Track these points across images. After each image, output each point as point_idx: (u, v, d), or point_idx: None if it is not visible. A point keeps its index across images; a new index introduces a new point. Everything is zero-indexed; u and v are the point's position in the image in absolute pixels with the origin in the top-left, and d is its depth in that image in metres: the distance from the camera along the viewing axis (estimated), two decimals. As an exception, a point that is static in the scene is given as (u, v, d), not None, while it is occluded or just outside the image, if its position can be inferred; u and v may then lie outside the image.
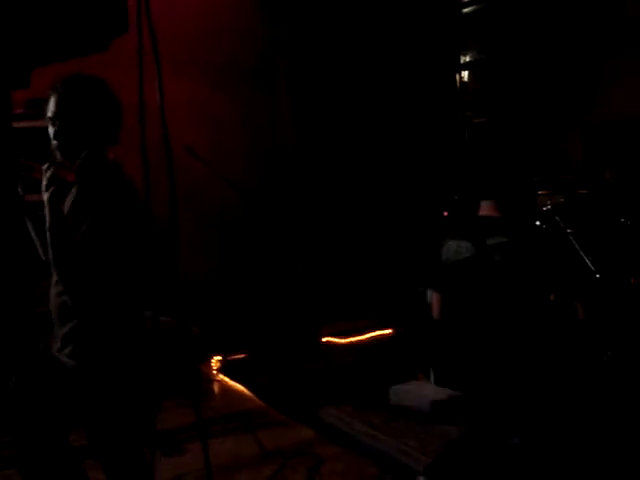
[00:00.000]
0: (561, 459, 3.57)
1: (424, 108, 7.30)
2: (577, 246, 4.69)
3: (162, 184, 2.22)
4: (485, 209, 3.70)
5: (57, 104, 2.51)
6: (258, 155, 6.99)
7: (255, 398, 5.52)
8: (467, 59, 7.50)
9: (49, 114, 2.52)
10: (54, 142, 2.54)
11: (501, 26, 7.25)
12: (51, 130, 2.53)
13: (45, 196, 2.41)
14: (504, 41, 7.24)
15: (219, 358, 6.18)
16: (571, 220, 4.93)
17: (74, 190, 2.51)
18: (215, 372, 6.03)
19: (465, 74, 7.51)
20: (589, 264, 4.62)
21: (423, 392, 4.85)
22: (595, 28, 6.51)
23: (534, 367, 3.57)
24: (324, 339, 6.70)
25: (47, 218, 2.38)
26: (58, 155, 2.55)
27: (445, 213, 6.28)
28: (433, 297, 4.19)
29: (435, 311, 4.26)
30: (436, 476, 3.47)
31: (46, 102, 2.51)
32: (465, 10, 7.52)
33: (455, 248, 3.68)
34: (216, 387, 5.82)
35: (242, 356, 6.29)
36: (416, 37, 7.30)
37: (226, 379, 5.92)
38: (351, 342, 6.63)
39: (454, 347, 4.17)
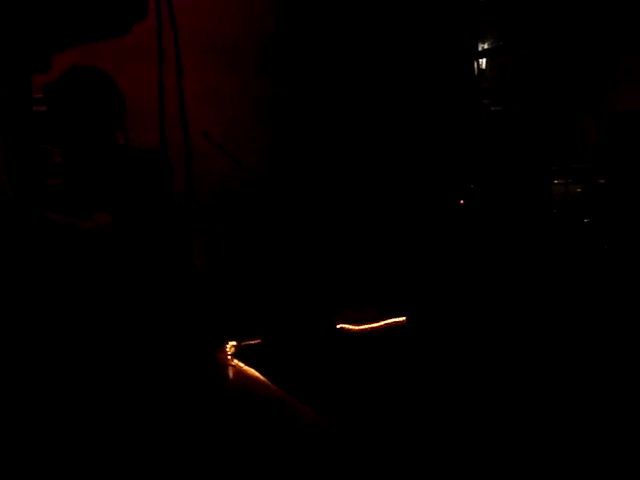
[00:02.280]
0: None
1: (441, 96, 7.27)
2: (594, 235, 4.67)
3: (178, 167, 2.23)
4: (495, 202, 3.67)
5: (59, 102, 2.51)
6: (271, 141, 6.99)
7: (270, 383, 5.54)
8: (485, 46, 7.46)
9: (54, 113, 2.51)
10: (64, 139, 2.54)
11: (519, 13, 7.20)
12: (59, 127, 2.53)
13: None
14: (522, 28, 7.19)
15: (234, 343, 6.20)
16: (588, 209, 4.91)
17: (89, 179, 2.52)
18: (230, 357, 6.06)
19: (483, 61, 7.46)
20: (605, 253, 4.60)
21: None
22: (614, 17, 6.45)
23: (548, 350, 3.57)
24: (339, 326, 6.70)
25: None
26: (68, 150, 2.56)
27: (461, 202, 6.27)
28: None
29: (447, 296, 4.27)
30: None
31: (50, 98, 2.51)
32: (483, -3, 7.47)
33: (472, 241, 3.66)
34: (231, 372, 5.84)
35: (257, 341, 6.31)
36: (433, 24, 7.26)
37: (241, 364, 5.94)
38: (366, 329, 6.64)
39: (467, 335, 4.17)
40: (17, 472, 2.44)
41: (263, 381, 5.61)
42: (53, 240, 2.34)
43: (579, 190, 5.36)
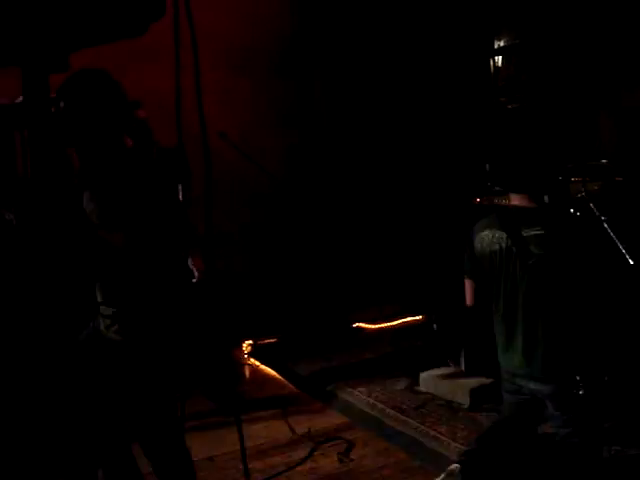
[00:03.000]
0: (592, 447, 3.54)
1: (457, 94, 7.25)
2: (612, 234, 4.63)
3: (197, 168, 2.22)
4: (516, 199, 3.65)
5: (67, 110, 2.49)
6: (287, 141, 7.00)
7: (286, 382, 5.55)
8: (501, 44, 7.42)
9: (62, 120, 2.49)
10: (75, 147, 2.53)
11: (535, 10, 7.16)
12: (70, 135, 2.51)
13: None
14: (538, 26, 7.15)
15: (250, 342, 6.21)
16: (606, 207, 4.86)
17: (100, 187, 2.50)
18: (246, 356, 6.07)
19: (499, 59, 7.43)
20: (624, 252, 4.56)
21: (453, 379, 4.86)
22: (630, 13, 6.40)
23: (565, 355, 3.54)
24: (355, 325, 6.70)
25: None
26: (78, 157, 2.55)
27: (477, 200, 6.23)
28: (466, 284, 4.17)
29: (468, 298, 4.24)
30: (469, 463, 3.46)
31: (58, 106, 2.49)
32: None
33: (490, 238, 3.63)
34: (247, 371, 5.85)
35: (273, 340, 6.32)
36: (450, 22, 7.24)
37: (257, 363, 5.95)
38: (382, 328, 6.63)
39: (486, 334, 4.14)
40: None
41: (279, 379, 5.62)
42: (75, 247, 2.34)
43: (596, 188, 5.32)
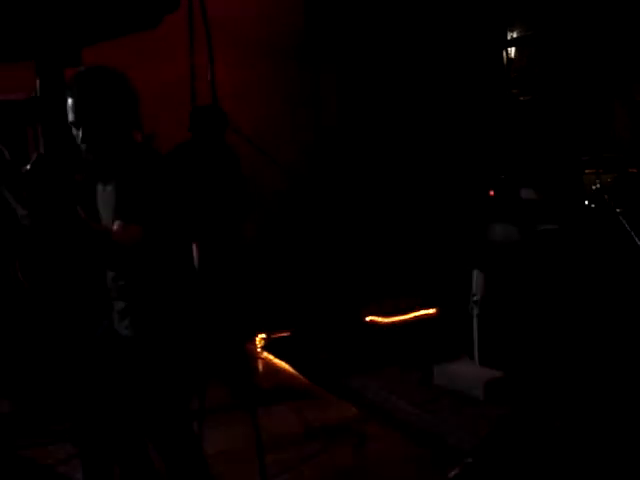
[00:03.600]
0: (603, 439, 3.53)
1: (470, 85, 7.22)
2: (627, 226, 4.61)
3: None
4: (529, 193, 3.64)
5: (75, 108, 2.48)
6: (301, 134, 7.00)
7: (299, 376, 5.55)
8: (514, 35, 7.39)
9: (70, 119, 2.48)
10: (82, 145, 2.51)
11: (548, 2, 7.12)
12: (76, 134, 2.50)
13: None
14: (551, 17, 7.11)
15: (263, 336, 6.22)
16: (620, 199, 4.84)
17: (114, 183, 2.50)
18: (259, 350, 6.07)
19: (512, 51, 7.40)
20: (639, 244, 4.54)
21: (466, 372, 4.85)
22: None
23: (582, 349, 3.53)
24: (368, 318, 6.69)
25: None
26: (89, 155, 2.54)
27: (491, 192, 6.21)
28: (479, 275, 4.17)
29: (481, 288, 4.24)
30: (482, 456, 3.45)
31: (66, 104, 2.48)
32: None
33: (503, 231, 3.63)
34: (260, 365, 5.86)
35: (286, 334, 6.32)
36: (463, 14, 7.21)
37: (270, 357, 5.96)
38: (394, 321, 6.62)
39: (499, 327, 4.14)
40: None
41: (292, 373, 5.63)
42: (92, 245, 2.33)
43: (610, 180, 5.29)
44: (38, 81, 2.00)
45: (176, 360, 2.63)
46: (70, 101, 2.45)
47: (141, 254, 2.43)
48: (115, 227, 2.32)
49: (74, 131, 2.47)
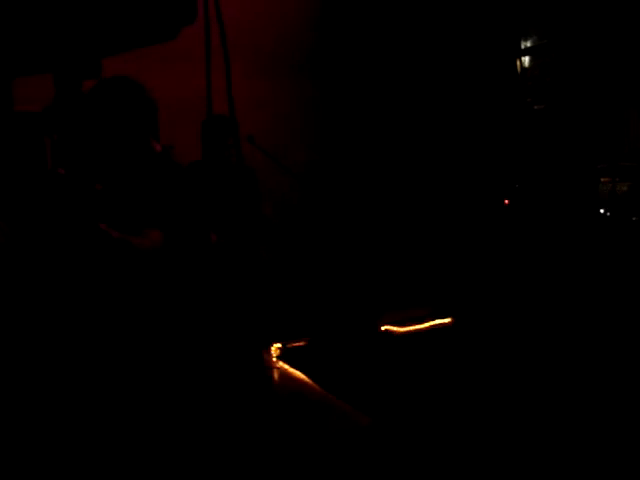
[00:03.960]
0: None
1: (484, 94, 7.22)
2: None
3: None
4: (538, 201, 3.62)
5: (95, 117, 2.51)
6: (312, 144, 7.03)
7: (314, 385, 5.54)
8: (528, 44, 7.39)
9: (91, 128, 2.51)
10: (103, 155, 2.54)
11: (562, 10, 7.12)
12: (98, 144, 2.52)
13: None
14: (565, 26, 7.11)
15: (279, 345, 6.22)
16: (636, 208, 4.83)
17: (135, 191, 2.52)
18: (275, 359, 6.07)
19: (526, 60, 7.40)
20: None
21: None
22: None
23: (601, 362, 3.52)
24: (383, 328, 6.69)
25: None
26: (109, 164, 2.57)
27: (506, 201, 6.21)
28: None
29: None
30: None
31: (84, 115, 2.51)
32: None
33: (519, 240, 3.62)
34: (276, 374, 5.86)
35: (302, 344, 6.32)
36: (476, 22, 7.22)
37: (286, 366, 5.96)
38: (410, 331, 6.61)
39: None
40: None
41: (308, 383, 5.62)
42: (108, 255, 2.34)
43: (626, 188, 5.28)
44: (56, 93, 2.03)
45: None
46: (91, 110, 2.48)
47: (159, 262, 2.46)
48: (136, 234, 2.35)
49: (94, 140, 2.50)
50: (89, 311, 2.30)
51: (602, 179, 5.31)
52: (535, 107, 7.38)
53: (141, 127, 2.52)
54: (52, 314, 2.62)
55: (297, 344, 6.31)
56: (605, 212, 4.92)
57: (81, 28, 1.93)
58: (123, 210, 2.63)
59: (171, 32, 1.96)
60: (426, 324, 6.68)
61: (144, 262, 2.39)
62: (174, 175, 2.53)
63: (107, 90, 2.49)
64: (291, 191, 6.47)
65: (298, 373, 5.80)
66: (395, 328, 6.66)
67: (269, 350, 6.13)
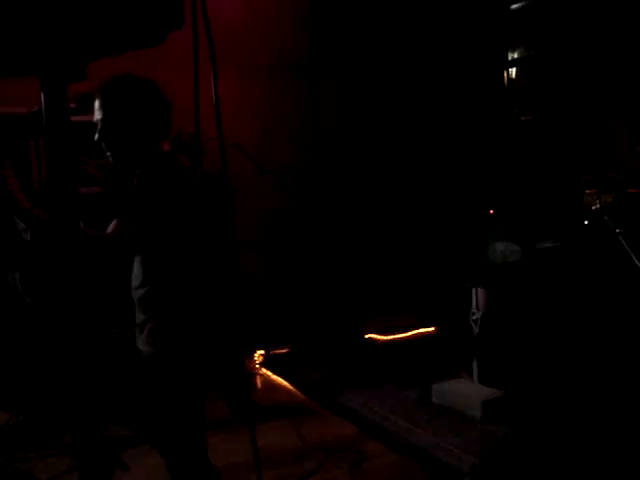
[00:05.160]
0: (604, 457, 3.53)
1: (471, 105, 7.25)
2: (626, 246, 4.61)
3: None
4: (525, 212, 3.64)
5: (101, 108, 2.52)
6: (301, 152, 7.04)
7: (297, 392, 5.54)
8: (515, 56, 7.43)
9: (96, 117, 2.53)
10: (102, 144, 2.55)
11: (549, 23, 7.17)
12: (99, 133, 2.54)
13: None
14: (552, 38, 7.16)
15: (262, 352, 6.22)
16: (620, 219, 4.85)
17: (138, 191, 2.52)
18: (258, 366, 6.07)
19: (513, 71, 7.44)
20: (638, 264, 4.54)
21: (466, 390, 4.84)
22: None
23: (581, 366, 3.53)
24: (367, 336, 6.69)
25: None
26: (108, 156, 2.58)
27: (491, 211, 6.23)
28: (479, 293, 4.17)
29: (481, 306, 4.24)
30: (481, 476, 3.45)
31: (92, 105, 2.53)
32: (513, 6, 7.44)
33: (503, 250, 3.63)
34: (259, 381, 5.85)
35: (285, 350, 6.32)
36: (464, 33, 7.25)
37: (269, 373, 5.95)
38: (393, 339, 6.62)
39: (498, 345, 4.14)
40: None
41: (290, 389, 5.62)
42: (88, 255, 2.34)
43: (610, 200, 5.30)
44: (42, 95, 2.02)
45: (189, 373, 2.64)
46: (97, 104, 2.49)
47: (159, 266, 2.46)
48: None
49: (97, 137, 2.51)
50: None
51: (587, 190, 5.32)
52: (522, 118, 7.42)
53: (147, 124, 2.53)
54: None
55: (280, 351, 6.30)
56: (589, 223, 4.93)
57: (67, 30, 1.92)
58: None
59: (158, 37, 1.95)
60: (410, 332, 6.69)
61: (109, 248, 2.40)
62: (169, 175, 2.51)
63: (116, 85, 2.50)
64: (276, 198, 6.46)
65: (281, 380, 5.80)
66: (378, 336, 6.67)
67: (252, 357, 6.12)
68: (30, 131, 4.88)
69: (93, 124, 2.57)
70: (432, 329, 6.63)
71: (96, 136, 2.53)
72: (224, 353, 2.82)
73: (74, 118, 3.54)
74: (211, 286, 2.72)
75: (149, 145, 2.56)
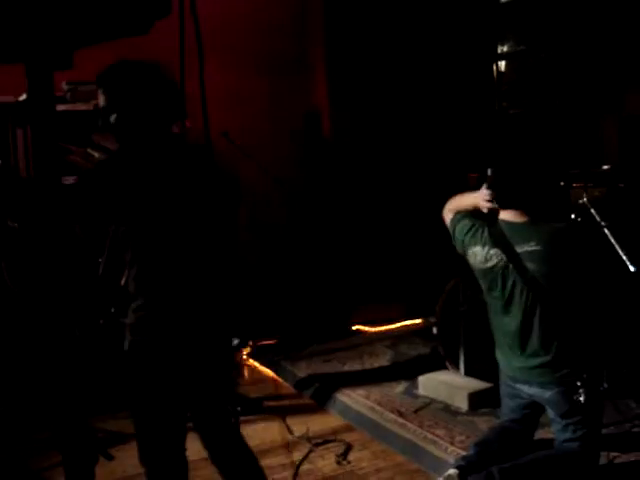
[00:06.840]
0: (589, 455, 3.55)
1: (460, 98, 7.25)
2: (612, 240, 4.63)
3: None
4: (508, 214, 3.62)
5: (104, 95, 2.51)
6: (291, 142, 7.04)
7: (284, 384, 5.55)
8: (504, 49, 7.43)
9: (100, 104, 2.51)
10: (109, 133, 2.54)
11: (539, 16, 7.17)
12: (103, 120, 2.52)
13: None
14: (542, 32, 7.16)
15: (249, 343, 6.21)
16: (607, 213, 4.86)
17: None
18: (245, 357, 6.07)
19: (502, 64, 7.44)
20: (624, 258, 4.56)
21: (452, 382, 4.86)
22: (635, 19, 6.41)
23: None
24: (354, 327, 6.70)
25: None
26: (115, 141, 2.57)
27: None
28: (466, 285, 4.18)
29: (467, 301, 4.25)
30: (466, 468, 3.46)
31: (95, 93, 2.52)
32: (503, 0, 7.45)
33: (484, 255, 3.61)
34: (246, 372, 5.85)
35: (272, 342, 6.32)
36: (453, 27, 7.25)
37: (256, 364, 5.95)
38: (381, 331, 6.63)
39: (484, 337, 4.15)
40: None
41: (277, 381, 5.62)
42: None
43: (598, 194, 5.32)
44: (27, 83, 2.01)
45: (164, 367, 2.62)
46: (102, 89, 2.48)
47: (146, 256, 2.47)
48: None
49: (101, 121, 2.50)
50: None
51: (574, 184, 5.33)
52: (510, 111, 7.43)
53: (154, 107, 2.50)
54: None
55: (267, 342, 6.30)
56: (576, 217, 4.95)
57: (53, 17, 1.91)
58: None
59: (144, 25, 1.94)
60: (397, 324, 6.70)
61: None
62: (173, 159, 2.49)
63: (121, 69, 2.48)
64: (265, 187, 6.45)
65: (268, 371, 5.80)
66: (366, 328, 6.68)
67: (239, 348, 6.11)
68: (17, 119, 4.85)
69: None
70: (419, 321, 6.64)
71: (99, 122, 2.51)
72: (217, 346, 2.79)
73: (61, 107, 3.53)
74: (209, 278, 2.72)
75: (162, 129, 2.53)
